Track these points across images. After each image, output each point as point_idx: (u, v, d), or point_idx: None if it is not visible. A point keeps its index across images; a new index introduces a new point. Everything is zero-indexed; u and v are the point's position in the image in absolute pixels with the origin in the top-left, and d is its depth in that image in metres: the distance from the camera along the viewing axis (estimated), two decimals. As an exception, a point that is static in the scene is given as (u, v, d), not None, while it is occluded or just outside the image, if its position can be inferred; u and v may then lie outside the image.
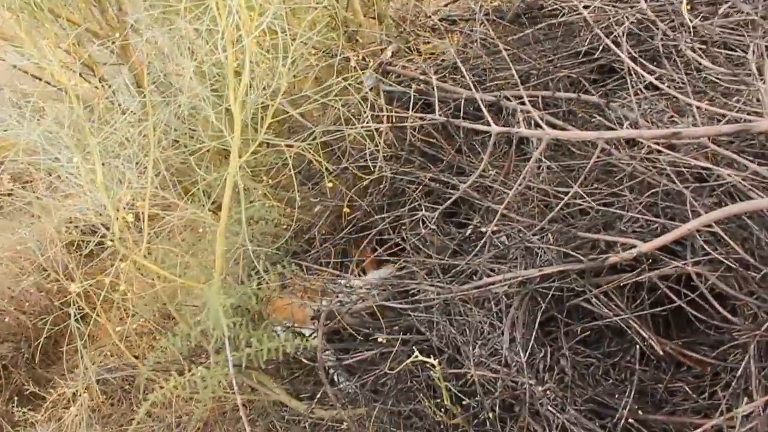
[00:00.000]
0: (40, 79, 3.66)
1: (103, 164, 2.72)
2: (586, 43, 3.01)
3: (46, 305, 4.43)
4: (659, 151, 2.13)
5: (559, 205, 2.16)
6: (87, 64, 3.55)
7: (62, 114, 2.86)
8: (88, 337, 3.88)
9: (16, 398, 3.78)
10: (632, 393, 2.23)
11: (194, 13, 2.78)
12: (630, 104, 2.29)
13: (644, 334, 2.15)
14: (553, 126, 2.71)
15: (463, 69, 2.56)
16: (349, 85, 3.23)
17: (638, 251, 2.03)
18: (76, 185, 2.79)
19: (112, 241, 2.79)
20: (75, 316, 3.03)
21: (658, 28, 2.43)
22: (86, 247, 3.58)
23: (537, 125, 2.45)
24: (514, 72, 2.43)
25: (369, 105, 3.24)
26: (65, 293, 4.38)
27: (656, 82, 2.13)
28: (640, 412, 2.18)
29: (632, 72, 2.24)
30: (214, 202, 3.24)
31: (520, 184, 2.25)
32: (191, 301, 3.41)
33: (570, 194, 2.13)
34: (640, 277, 2.15)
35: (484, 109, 2.32)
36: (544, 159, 2.48)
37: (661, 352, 2.15)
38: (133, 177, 2.84)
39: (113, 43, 3.29)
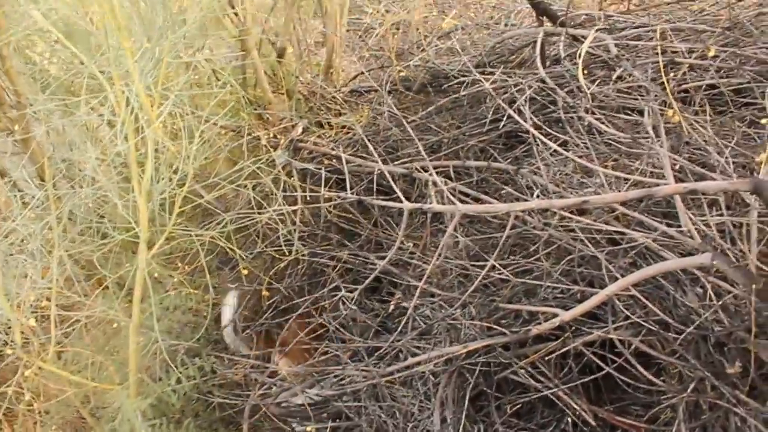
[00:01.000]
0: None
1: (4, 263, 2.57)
2: (492, 112, 3.06)
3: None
4: (571, 217, 2.14)
5: (478, 279, 2.13)
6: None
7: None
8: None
9: None
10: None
11: (95, 102, 2.70)
12: (538, 170, 2.31)
13: (574, 405, 2.11)
14: (467, 195, 2.72)
15: (370, 145, 2.54)
16: (261, 165, 3.17)
17: (560, 320, 2.00)
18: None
19: (13, 349, 2.62)
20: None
21: (557, 95, 2.48)
22: (-15, 356, 3.35)
23: (449, 199, 2.45)
24: (419, 145, 2.41)
25: (282, 184, 3.19)
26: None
27: (560, 150, 2.15)
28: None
29: (536, 139, 2.27)
30: (129, 292, 3.10)
31: (437, 259, 2.21)
32: (109, 402, 3.21)
33: (488, 267, 2.10)
34: (565, 347, 2.12)
35: (394, 185, 2.30)
36: (458, 232, 2.46)
37: (593, 423, 2.11)
38: (37, 275, 2.69)
39: (12, 135, 3.16)
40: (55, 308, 2.69)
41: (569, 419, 2.35)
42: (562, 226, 2.24)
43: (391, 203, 2.45)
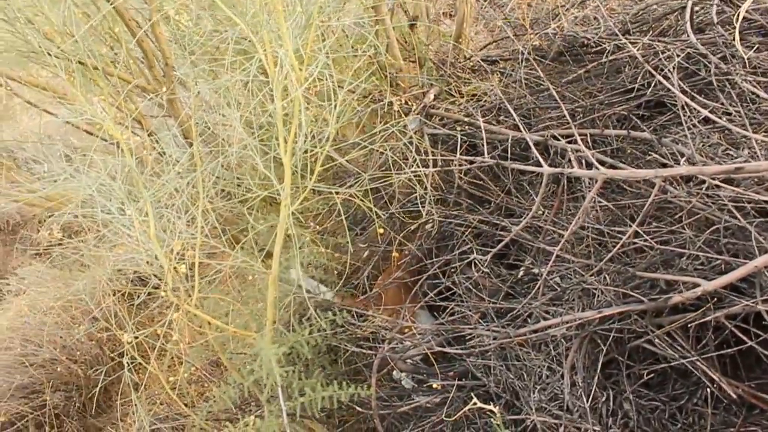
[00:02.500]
0: (92, 134, 3.76)
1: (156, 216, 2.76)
2: (631, 80, 2.99)
3: (96, 354, 4.47)
4: (718, 186, 2.09)
5: (618, 245, 2.11)
6: (136, 118, 3.64)
7: (114, 167, 2.93)
8: (138, 386, 3.91)
9: (70, 448, 3.80)
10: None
11: (241, 66, 2.84)
12: (684, 139, 2.25)
13: (714, 376, 2.08)
14: (602, 164, 2.69)
15: (510, 108, 2.55)
16: (394, 130, 3.24)
17: (703, 290, 1.97)
18: (128, 236, 2.84)
19: (165, 291, 2.82)
20: (128, 365, 3.05)
21: (709, 61, 2.40)
22: (138, 297, 3.62)
23: (588, 164, 2.43)
24: (564, 109, 2.40)
25: (414, 149, 3.25)
26: (115, 343, 4.45)
27: (711, 116, 2.08)
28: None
29: (685, 106, 2.21)
30: (261, 250, 3.26)
31: (575, 224, 2.21)
32: (242, 350, 3.41)
33: (629, 233, 2.08)
34: (705, 318, 2.08)
35: (534, 150, 2.30)
36: (602, 196, 2.44)
37: (734, 395, 2.06)
38: (183, 227, 2.88)
39: (160, 97, 3.37)
40: (199, 257, 2.87)
41: (703, 393, 2.31)
42: (707, 195, 2.18)
43: (530, 167, 2.46)
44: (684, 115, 2.25)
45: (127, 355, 3.03)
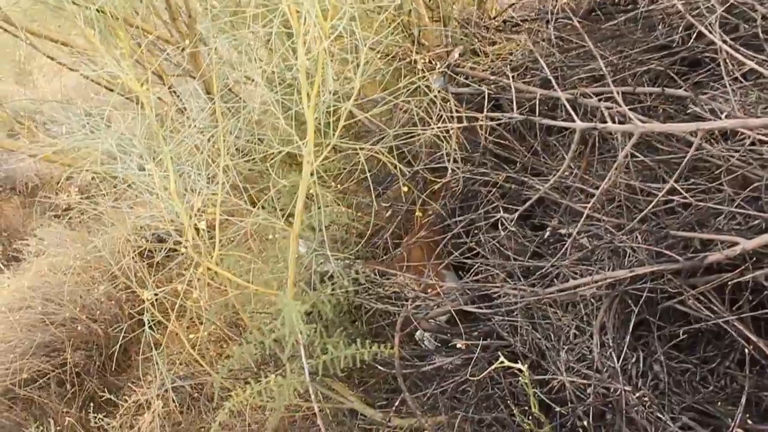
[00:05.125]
0: (112, 90, 3.72)
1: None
2: (665, 37, 2.90)
3: (116, 314, 4.49)
4: (760, 142, 2.01)
5: (654, 201, 2.05)
6: (156, 72, 3.59)
7: (134, 123, 2.90)
8: (158, 345, 3.92)
9: (91, 405, 3.82)
10: (739, 401, 2.10)
11: (263, 20, 2.77)
12: (724, 95, 2.17)
13: (752, 338, 2.02)
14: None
15: (542, 62, 2.47)
16: (418, 87, 3.17)
17: (742, 249, 1.91)
18: (149, 193, 2.81)
19: (185, 248, 2.79)
20: (149, 323, 3.04)
21: (755, 11, 2.30)
22: (158, 255, 3.61)
23: (621, 121, 2.36)
24: (601, 63, 2.32)
25: (438, 107, 3.18)
26: (134, 302, 4.45)
27: (759, 68, 1.99)
28: (749, 421, 2.04)
29: (727, 61, 2.12)
30: (281, 210, 3.22)
31: (608, 181, 2.14)
32: (262, 309, 3.40)
33: (665, 189, 2.01)
34: (742, 278, 2.02)
35: (567, 105, 2.23)
36: (635, 153, 2.36)
37: (771, 358, 2.01)
38: (203, 184, 2.84)
39: (183, 50, 3.32)
40: (219, 214, 2.84)
41: (735, 356, 2.27)
42: (749, 150, 2.11)
43: (562, 123, 2.39)
44: (726, 70, 2.15)
45: (147, 312, 3.02)
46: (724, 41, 2.05)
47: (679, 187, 2.03)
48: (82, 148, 3.06)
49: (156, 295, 3.06)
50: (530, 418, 2.31)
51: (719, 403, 2.15)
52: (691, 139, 2.31)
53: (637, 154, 2.38)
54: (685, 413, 2.13)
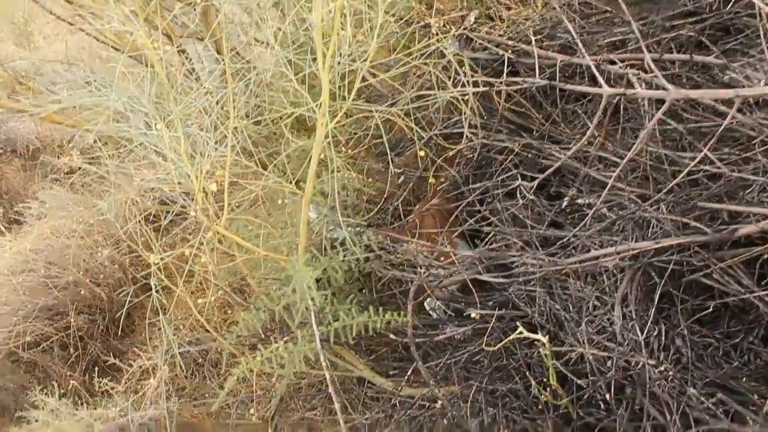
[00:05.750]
0: (118, 50, 3.62)
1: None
2: (693, 2, 2.80)
3: (120, 278, 4.44)
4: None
5: (684, 172, 1.97)
6: (165, 32, 3.49)
7: (142, 82, 2.82)
8: (163, 310, 3.87)
9: (95, 369, 3.79)
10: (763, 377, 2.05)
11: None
12: (759, 63, 2.09)
13: (783, 313, 1.97)
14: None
15: (569, 25, 2.38)
16: (433, 51, 3.09)
17: (776, 221, 1.84)
18: (157, 154, 2.74)
19: (194, 211, 2.73)
20: (155, 287, 2.99)
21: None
22: (165, 218, 3.55)
23: (648, 87, 2.28)
24: (634, 26, 2.22)
25: (453, 71, 3.09)
26: (138, 266, 4.40)
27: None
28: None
29: (766, 25, 2.03)
30: (293, 171, 3.15)
31: (635, 150, 2.07)
32: (271, 274, 3.34)
33: (697, 159, 1.94)
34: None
35: (594, 70, 2.15)
36: (665, 121, 2.28)
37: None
38: (212, 145, 2.77)
39: (194, 8, 3.21)
40: (229, 177, 2.77)
41: (759, 331, 2.22)
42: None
43: (588, 88, 2.31)
44: (763, 34, 2.06)
45: (153, 276, 2.97)
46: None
47: (712, 156, 1.95)
48: (86, 109, 2.99)
49: (162, 259, 3.00)
50: (547, 390, 2.26)
51: (743, 379, 2.10)
52: (721, 108, 2.24)
53: (668, 121, 2.30)
54: (707, 388, 2.08)
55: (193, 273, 3.19)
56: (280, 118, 3.09)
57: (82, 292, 4.32)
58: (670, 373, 2.04)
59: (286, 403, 3.67)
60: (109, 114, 2.71)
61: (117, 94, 2.73)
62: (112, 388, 3.61)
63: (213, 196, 2.79)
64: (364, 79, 3.11)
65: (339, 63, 2.68)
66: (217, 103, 2.92)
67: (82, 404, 3.54)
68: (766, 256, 2.08)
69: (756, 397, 2.08)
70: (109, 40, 3.64)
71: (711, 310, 2.23)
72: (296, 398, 3.63)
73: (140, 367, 3.58)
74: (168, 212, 3.51)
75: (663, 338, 2.17)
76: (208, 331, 3.45)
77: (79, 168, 4.72)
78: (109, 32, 3.49)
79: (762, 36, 1.98)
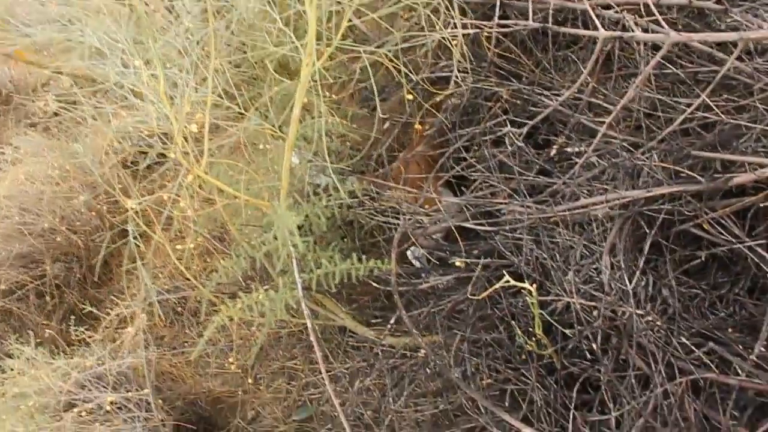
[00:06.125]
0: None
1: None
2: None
3: (96, 226, 4.35)
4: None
5: (680, 119, 1.92)
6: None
7: (119, 19, 2.70)
8: (141, 258, 3.80)
9: (71, 318, 3.72)
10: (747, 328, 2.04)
11: None
12: (763, 6, 2.02)
13: (775, 263, 1.94)
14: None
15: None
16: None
17: (773, 170, 1.80)
18: (134, 95, 2.64)
19: (174, 153, 2.64)
20: (133, 234, 2.91)
21: None
22: (142, 163, 3.45)
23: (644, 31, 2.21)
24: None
25: (442, 14, 2.99)
26: (116, 212, 4.30)
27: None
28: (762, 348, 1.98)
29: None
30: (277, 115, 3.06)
31: (629, 96, 2.00)
32: (252, 221, 3.27)
33: (694, 106, 1.88)
34: (768, 201, 1.91)
35: (591, 12, 2.07)
36: (664, 65, 2.22)
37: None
38: (192, 86, 2.67)
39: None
40: (209, 119, 2.68)
41: (745, 283, 2.20)
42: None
43: (584, 31, 2.23)
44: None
45: (131, 222, 2.89)
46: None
47: (710, 103, 1.89)
48: (62, 51, 2.87)
49: (140, 204, 2.91)
50: (532, 339, 2.24)
51: (729, 330, 2.08)
52: (718, 55, 2.18)
53: (667, 65, 2.24)
54: (693, 339, 2.06)
55: (171, 219, 3.11)
56: (262, 59, 2.99)
57: (58, 240, 4.23)
58: (657, 323, 2.02)
59: (266, 353, 3.64)
60: (83, 51, 2.60)
61: (92, 29, 2.61)
62: (90, 337, 3.56)
63: (193, 140, 2.70)
64: (350, 20, 3.00)
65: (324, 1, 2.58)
66: (198, 43, 2.81)
67: (58, 353, 3.49)
68: (757, 207, 2.04)
69: (741, 347, 2.07)
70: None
71: (698, 261, 2.20)
72: (276, 347, 3.60)
73: (118, 315, 3.52)
74: (146, 156, 3.41)
75: (650, 289, 2.14)
76: (187, 279, 3.38)
77: (55, 113, 4.59)
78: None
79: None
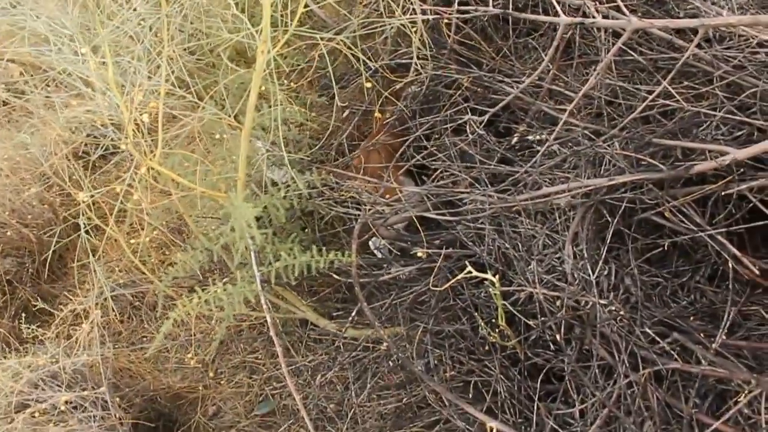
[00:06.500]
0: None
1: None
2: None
3: (49, 219, 4.21)
4: (760, 45, 1.87)
5: (641, 106, 1.90)
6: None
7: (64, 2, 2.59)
8: (95, 252, 3.69)
9: (23, 315, 3.60)
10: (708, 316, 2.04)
11: None
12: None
13: (736, 253, 1.93)
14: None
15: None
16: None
17: (733, 158, 1.79)
18: (83, 84, 2.54)
19: (125, 145, 2.55)
20: (85, 227, 2.82)
21: None
22: (94, 153, 3.34)
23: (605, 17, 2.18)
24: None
25: (401, 1, 2.94)
26: (69, 205, 4.17)
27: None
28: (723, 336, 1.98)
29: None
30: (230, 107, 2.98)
31: (590, 84, 1.98)
32: (209, 213, 3.20)
33: (655, 93, 1.86)
34: (728, 191, 1.91)
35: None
36: (626, 52, 2.20)
37: (757, 272, 1.93)
38: (145, 74, 2.57)
39: None
40: (163, 109, 2.59)
41: (706, 270, 2.20)
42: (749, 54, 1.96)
43: (545, 17, 2.20)
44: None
45: (83, 215, 2.79)
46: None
47: (672, 90, 1.87)
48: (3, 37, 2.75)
49: (92, 196, 2.81)
50: (495, 330, 2.21)
51: (690, 318, 2.09)
52: (678, 42, 2.17)
53: (629, 52, 2.22)
54: (655, 328, 2.05)
55: (126, 212, 3.02)
56: (218, 46, 2.90)
57: (9, 234, 4.08)
58: (620, 313, 2.01)
59: (227, 346, 3.57)
60: (26, 37, 2.49)
61: (35, 14, 2.51)
62: (43, 334, 3.45)
63: (146, 130, 2.61)
64: (306, 6, 2.93)
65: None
66: (150, 29, 2.71)
67: (10, 351, 3.38)
68: (718, 195, 2.04)
69: (702, 336, 2.07)
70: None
71: (660, 249, 2.20)
72: (237, 341, 3.54)
73: (72, 311, 3.41)
74: (98, 147, 3.30)
75: (613, 278, 2.13)
76: (144, 272, 3.29)
77: (4, 103, 4.43)
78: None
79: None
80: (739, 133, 2.06)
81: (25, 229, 4.11)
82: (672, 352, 1.98)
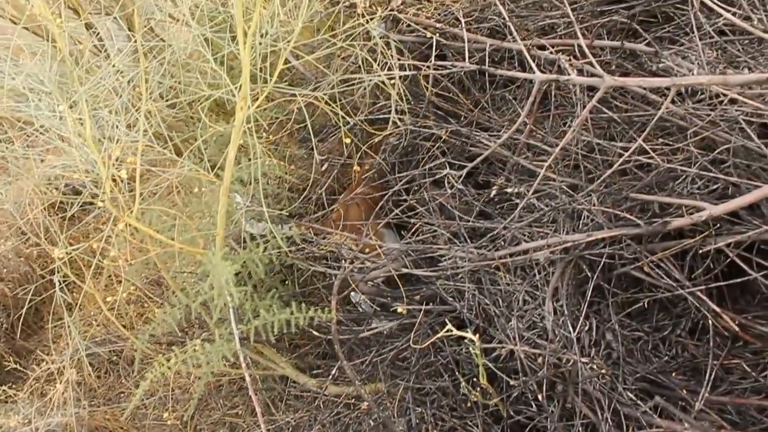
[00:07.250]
0: (16, 23, 3.33)
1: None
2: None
3: (25, 272, 4.15)
4: (732, 101, 1.89)
5: (618, 162, 1.91)
6: (72, 6, 3.22)
7: (44, 60, 2.59)
8: (70, 308, 3.62)
9: (-3, 373, 3.52)
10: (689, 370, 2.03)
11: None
12: (690, 51, 2.04)
13: (715, 309, 1.93)
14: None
15: (501, 7, 2.28)
16: (358, 34, 2.95)
17: (708, 214, 1.79)
18: (60, 139, 2.53)
19: (102, 201, 2.52)
20: (60, 284, 2.77)
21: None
22: (70, 209, 3.31)
23: (580, 74, 2.21)
24: (569, 11, 2.14)
25: (380, 55, 2.97)
26: (46, 259, 4.11)
27: (737, 21, 1.86)
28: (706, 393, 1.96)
29: (698, 14, 1.98)
30: (209, 160, 2.97)
31: (567, 139, 1.99)
32: (186, 268, 3.16)
33: (632, 149, 1.88)
34: (705, 247, 1.91)
35: (527, 55, 2.06)
36: (600, 109, 2.22)
37: (737, 328, 1.92)
38: (123, 130, 2.57)
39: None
40: (141, 164, 2.57)
41: (686, 324, 2.19)
42: (721, 111, 1.98)
43: (521, 74, 2.22)
44: (695, 23, 2.02)
45: (59, 272, 2.74)
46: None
47: (646, 146, 1.89)
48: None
49: (69, 253, 2.77)
50: (477, 388, 2.18)
51: (672, 374, 2.07)
52: (651, 97, 2.19)
53: (603, 109, 2.24)
54: (638, 383, 2.03)
55: (102, 267, 2.97)
56: (197, 100, 2.91)
57: (-17, 288, 4.02)
58: (602, 370, 1.99)
59: (206, 402, 3.50)
60: (2, 93, 2.48)
61: (12, 71, 2.50)
62: (15, 394, 3.36)
63: (124, 185, 2.59)
64: (287, 61, 2.95)
65: (261, 43, 2.52)
66: (129, 83, 2.71)
67: (-20, 413, 3.29)
68: (695, 249, 2.04)
69: (684, 392, 2.05)
70: (5, 12, 3.34)
71: (640, 303, 2.19)
72: (216, 397, 3.47)
73: (46, 370, 3.33)
74: (75, 202, 3.27)
75: (594, 333, 2.11)
76: (121, 329, 3.23)
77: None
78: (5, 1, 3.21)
79: (694, 23, 1.93)
80: (715, 186, 2.08)
81: (0, 283, 4.05)
82: (651, 412, 1.96)
